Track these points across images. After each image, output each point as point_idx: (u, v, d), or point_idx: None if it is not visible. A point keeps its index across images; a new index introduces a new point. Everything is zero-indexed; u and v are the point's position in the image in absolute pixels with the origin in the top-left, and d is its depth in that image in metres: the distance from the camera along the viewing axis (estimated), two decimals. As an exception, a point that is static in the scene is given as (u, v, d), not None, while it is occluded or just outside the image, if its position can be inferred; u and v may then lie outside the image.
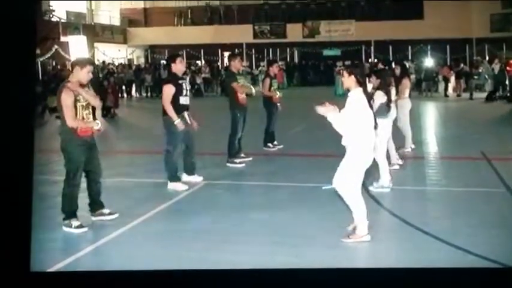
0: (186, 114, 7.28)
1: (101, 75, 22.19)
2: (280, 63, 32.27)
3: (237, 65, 8.95)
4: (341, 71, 5.16)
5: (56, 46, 25.56)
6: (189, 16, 36.43)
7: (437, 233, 5.16)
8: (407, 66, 25.57)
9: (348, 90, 5.01)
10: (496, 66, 22.47)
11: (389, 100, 6.97)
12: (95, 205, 5.84)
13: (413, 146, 9.72)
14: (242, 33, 33.71)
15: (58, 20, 28.48)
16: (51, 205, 5.99)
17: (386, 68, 8.50)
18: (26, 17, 3.93)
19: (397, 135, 8.82)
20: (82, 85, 5.52)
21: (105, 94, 17.28)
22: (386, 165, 7.03)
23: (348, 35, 32.98)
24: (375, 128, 5.03)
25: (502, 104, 19.03)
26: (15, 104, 3.91)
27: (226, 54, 37.18)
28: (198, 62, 33.34)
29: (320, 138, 9.81)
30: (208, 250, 4.95)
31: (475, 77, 22.77)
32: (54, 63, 26.46)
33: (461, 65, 24.41)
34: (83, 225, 5.52)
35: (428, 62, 27.70)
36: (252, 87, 9.28)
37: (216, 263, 4.56)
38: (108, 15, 34.75)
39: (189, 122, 7.32)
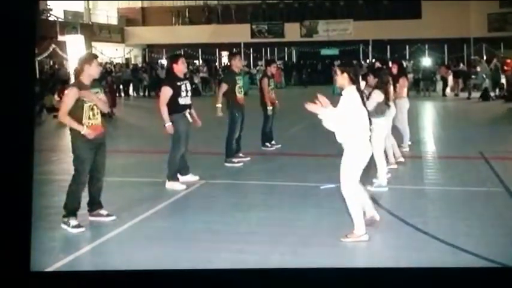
0: (187, 112, 7.28)
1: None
2: (278, 62, 32.29)
3: (238, 64, 8.95)
4: (334, 69, 5.18)
5: (53, 45, 25.49)
6: (187, 15, 36.41)
7: (436, 233, 5.16)
8: (405, 65, 25.77)
9: (342, 89, 5.02)
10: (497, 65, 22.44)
11: (387, 99, 6.97)
12: (94, 205, 5.83)
13: (409, 143, 9.73)
14: (240, 33, 33.69)
15: (55, 19, 28.42)
16: (51, 204, 5.98)
17: (384, 67, 8.48)
18: (26, 16, 3.93)
19: (395, 134, 8.81)
20: (95, 80, 5.63)
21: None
22: (384, 164, 7.04)
23: (346, 35, 32.99)
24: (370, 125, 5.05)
25: (500, 104, 19.06)
26: (15, 103, 3.90)
27: (224, 53, 37.21)
28: (196, 61, 33.31)
29: (318, 137, 9.79)
30: (206, 249, 4.94)
31: (473, 76, 22.80)
32: (51, 63, 26.41)
33: (460, 65, 24.46)
34: (81, 225, 5.51)
35: (426, 61, 27.73)
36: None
37: (214, 262, 4.55)
38: (106, 14, 34.70)
39: (190, 120, 7.32)
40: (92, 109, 5.54)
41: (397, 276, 3.98)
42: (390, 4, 32.50)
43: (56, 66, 26.03)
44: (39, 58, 24.59)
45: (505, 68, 21.51)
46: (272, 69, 10.42)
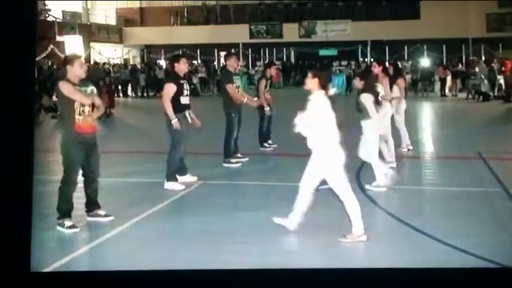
0: (187, 113, 7.27)
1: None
2: (276, 63, 32.28)
3: (233, 64, 8.94)
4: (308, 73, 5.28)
5: (51, 46, 25.47)
6: (185, 16, 36.40)
7: (434, 233, 5.16)
8: (404, 66, 25.78)
9: (310, 93, 5.09)
10: (495, 67, 22.42)
11: (376, 98, 6.94)
12: (91, 205, 5.81)
13: (410, 147, 9.70)
14: (238, 33, 33.68)
15: (54, 19, 28.40)
16: (50, 205, 5.95)
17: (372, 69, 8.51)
18: (25, 16, 3.93)
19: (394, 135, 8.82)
20: (82, 80, 5.54)
21: (100, 94, 17.26)
22: (379, 165, 7.02)
23: (344, 35, 33.00)
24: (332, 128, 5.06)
25: (498, 104, 19.07)
26: (15, 104, 3.90)
27: (223, 54, 37.15)
28: (195, 61, 33.29)
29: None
30: (205, 250, 4.93)
31: (472, 77, 22.82)
32: (50, 63, 26.39)
33: (459, 65, 24.47)
34: (76, 226, 5.50)
35: (425, 62, 27.75)
36: (245, 98, 9.01)
37: (213, 263, 4.54)
38: (104, 14, 34.66)
39: (190, 121, 7.31)
40: (83, 105, 5.49)
41: (396, 277, 3.98)
42: (389, 5, 32.53)
43: (54, 66, 25.99)
44: (37, 58, 24.57)
45: (503, 68, 21.50)
46: (272, 71, 10.43)
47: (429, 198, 6.91)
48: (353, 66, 27.51)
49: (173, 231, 5.54)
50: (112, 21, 35.48)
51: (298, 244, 5.03)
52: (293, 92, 25.67)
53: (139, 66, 30.34)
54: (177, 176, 7.40)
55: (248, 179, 7.94)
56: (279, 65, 31.56)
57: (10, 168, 3.87)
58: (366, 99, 6.82)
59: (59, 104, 5.61)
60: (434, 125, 15.14)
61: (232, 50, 33.00)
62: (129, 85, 26.45)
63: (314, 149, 5.05)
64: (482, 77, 21.47)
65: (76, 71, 5.48)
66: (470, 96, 21.31)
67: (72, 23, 29.88)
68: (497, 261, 4.38)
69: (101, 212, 5.81)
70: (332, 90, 5.05)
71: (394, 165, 8.11)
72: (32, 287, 3.91)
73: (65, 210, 5.53)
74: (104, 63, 26.48)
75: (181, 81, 7.26)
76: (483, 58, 27.89)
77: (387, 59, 31.50)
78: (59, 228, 5.48)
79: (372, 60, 31.70)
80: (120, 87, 25.47)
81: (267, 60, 28.97)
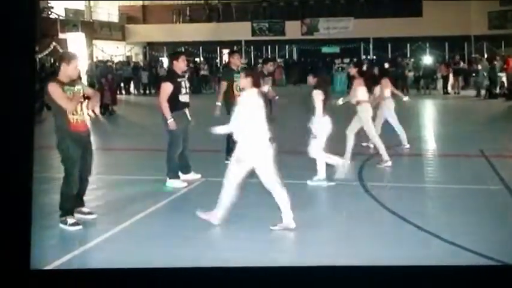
0: (187, 110, 7.28)
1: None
2: (278, 60, 32.25)
3: (236, 62, 8.95)
4: (241, 74, 5.77)
5: (54, 43, 25.50)
6: (188, 13, 36.40)
7: (436, 231, 5.18)
8: (406, 63, 25.74)
9: (243, 90, 5.50)
10: (497, 64, 22.32)
11: (326, 98, 7.07)
12: (77, 202, 5.78)
13: (407, 146, 9.70)
14: (241, 31, 33.66)
15: (56, 17, 28.43)
16: (51, 202, 5.99)
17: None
18: (25, 13, 3.93)
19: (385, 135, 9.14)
20: (73, 80, 5.52)
21: (102, 91, 17.29)
22: (322, 160, 7.11)
23: (346, 32, 32.95)
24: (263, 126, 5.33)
25: (500, 102, 19.06)
26: (15, 101, 3.91)
27: (225, 51, 37.16)
28: (197, 59, 33.30)
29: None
30: (207, 247, 4.96)
31: (473, 74, 22.78)
32: (52, 61, 26.42)
33: (461, 63, 24.40)
34: (78, 223, 5.53)
35: (427, 59, 27.71)
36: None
37: (215, 260, 4.56)
38: (107, 12, 34.68)
39: (189, 118, 7.32)
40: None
41: (397, 274, 3.99)
42: (391, 2, 32.46)
43: (57, 64, 26.03)
44: (40, 56, 24.60)
45: (505, 66, 21.45)
46: (269, 67, 10.39)
47: (431, 196, 6.93)
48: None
49: (175, 228, 5.56)
50: (114, 19, 35.49)
51: (301, 242, 5.05)
52: (295, 89, 25.69)
53: (141, 64, 30.35)
54: (181, 174, 7.41)
55: (250, 176, 7.93)
56: (281, 62, 31.59)
57: (10, 166, 3.87)
58: (316, 96, 6.98)
59: (50, 104, 5.55)
60: (436, 122, 15.14)
61: (235, 48, 33.08)
62: (132, 82, 26.48)
63: (241, 143, 5.35)
64: (485, 74, 21.44)
65: (69, 71, 5.47)
66: (481, 94, 21.02)
67: (74, 21, 29.89)
68: (498, 259, 4.40)
69: (85, 209, 5.83)
70: (265, 88, 5.46)
71: (389, 163, 8.20)
72: (32, 285, 3.92)
73: (67, 208, 5.56)
74: (107, 61, 26.49)
75: (179, 80, 7.23)
76: (485, 56, 27.84)
77: (389, 56, 31.49)
78: (61, 225, 5.51)
79: (375, 57, 31.79)
80: (122, 84, 25.49)
81: (268, 57, 28.80)
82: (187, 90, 7.36)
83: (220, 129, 5.55)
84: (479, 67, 22.74)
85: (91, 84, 19.72)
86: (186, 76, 7.81)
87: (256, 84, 5.45)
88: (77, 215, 5.73)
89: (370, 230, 5.07)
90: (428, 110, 18.02)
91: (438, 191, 7.12)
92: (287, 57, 35.39)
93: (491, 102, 19.14)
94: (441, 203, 6.55)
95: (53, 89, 5.38)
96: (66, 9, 29.91)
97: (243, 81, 5.51)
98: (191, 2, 35.61)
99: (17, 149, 3.90)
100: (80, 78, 5.67)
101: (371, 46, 33.55)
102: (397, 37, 31.55)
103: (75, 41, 27.73)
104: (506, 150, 9.54)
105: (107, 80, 18.09)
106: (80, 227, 5.51)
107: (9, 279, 3.80)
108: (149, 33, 34.99)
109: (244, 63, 29.35)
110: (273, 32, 34.39)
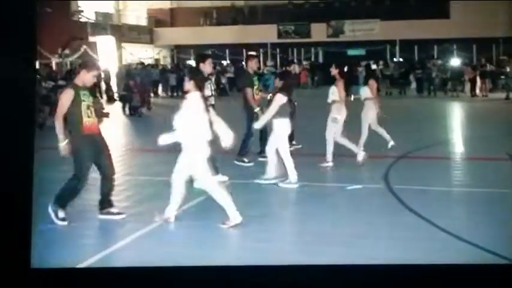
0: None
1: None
2: (304, 63, 32.30)
3: (253, 66, 9.23)
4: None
5: (84, 46, 25.99)
6: (214, 16, 36.71)
7: (461, 233, 5.21)
8: (433, 65, 25.53)
9: (187, 93, 5.61)
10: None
11: (289, 100, 7.38)
12: (104, 203, 5.94)
13: (392, 143, 9.73)
14: (266, 33, 33.86)
15: (86, 20, 28.97)
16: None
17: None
18: (26, 14, 3.99)
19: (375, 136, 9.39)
20: (87, 88, 5.79)
21: (130, 94, 17.63)
22: (290, 162, 7.24)
23: (372, 34, 32.86)
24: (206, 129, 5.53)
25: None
26: (16, 102, 3.95)
27: (251, 54, 37.27)
28: (224, 61, 33.56)
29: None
30: (233, 248, 5.10)
31: (502, 76, 22.53)
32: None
33: (488, 65, 24.15)
34: (65, 219, 5.67)
35: (454, 61, 27.49)
36: (260, 109, 8.62)
37: (240, 258, 4.70)
38: (135, 15, 35.20)
39: None
40: (88, 108, 5.72)
41: (417, 273, 4.06)
42: (417, 3, 32.24)
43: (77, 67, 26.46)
44: (70, 59, 25.15)
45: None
46: (291, 69, 10.45)
47: (456, 199, 6.96)
48: (381, 66, 27.37)
49: (202, 229, 5.61)
50: (143, 22, 35.98)
51: (320, 243, 5.14)
52: (320, 92, 25.67)
53: (169, 67, 30.72)
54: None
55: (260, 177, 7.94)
56: (306, 64, 31.60)
57: (11, 164, 3.89)
58: (277, 98, 7.20)
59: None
60: (463, 125, 15.07)
61: (261, 50, 33.26)
62: (160, 85, 26.83)
63: (184, 145, 5.50)
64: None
65: (87, 79, 5.76)
66: (510, 97, 20.70)
67: (103, 24, 30.42)
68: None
69: (114, 210, 5.95)
70: (207, 91, 5.65)
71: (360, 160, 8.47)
72: (32, 284, 3.92)
73: (64, 202, 5.71)
74: (137, 64, 26.92)
75: (205, 82, 7.37)
76: (514, 57, 27.46)
77: (416, 58, 31.25)
78: (50, 212, 5.62)
79: (401, 59, 31.57)
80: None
81: (291, 59, 28.66)
82: (213, 93, 7.51)
83: (166, 139, 5.53)
84: (508, 69, 22.50)
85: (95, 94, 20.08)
86: (212, 79, 7.93)
87: (199, 87, 5.57)
88: (106, 216, 5.89)
89: (392, 231, 5.14)
90: (456, 113, 17.92)
91: (463, 194, 7.14)
92: (313, 59, 35.39)
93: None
94: (466, 207, 6.58)
95: (62, 94, 5.69)
96: (96, 13, 30.47)
97: (187, 84, 5.59)
98: (218, 4, 35.92)
99: (18, 147, 3.92)
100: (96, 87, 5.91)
101: (397, 48, 33.37)
102: (423, 39, 31.33)
103: (104, 44, 28.22)
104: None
105: (135, 83, 18.38)
106: (66, 223, 5.63)
107: (10, 278, 3.82)
108: (177, 36, 35.40)
109: (270, 66, 29.63)
110: (299, 35, 34.46)
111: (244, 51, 34.31)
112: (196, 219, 5.94)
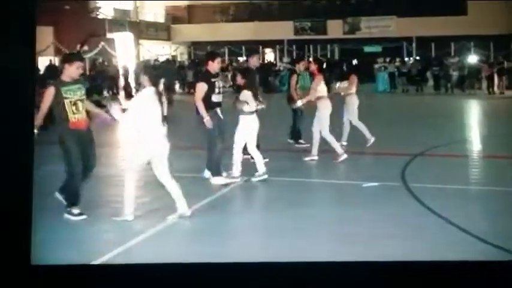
0: (218, 110, 7.48)
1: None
2: (322, 59, 32.19)
3: (255, 63, 9.34)
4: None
5: (102, 43, 26.21)
6: (231, 13, 36.82)
7: (478, 233, 5.24)
8: (450, 62, 25.39)
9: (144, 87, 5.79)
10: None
11: (256, 97, 7.50)
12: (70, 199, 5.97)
13: (372, 139, 9.75)
14: (283, 30, 33.88)
15: (105, 17, 29.21)
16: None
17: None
18: (25, 13, 4.00)
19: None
20: (75, 80, 5.87)
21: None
22: (259, 157, 7.49)
23: (388, 31, 32.72)
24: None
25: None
26: (16, 98, 3.97)
27: (268, 50, 37.45)
28: (240, 58, 33.66)
29: (353, 134, 10.01)
30: (250, 244, 5.18)
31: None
32: (101, 60, 27.16)
33: (505, 63, 23.99)
34: (83, 213, 5.83)
35: (472, 58, 27.30)
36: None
37: (255, 254, 4.80)
38: (153, 12, 35.44)
39: (221, 117, 7.54)
40: (75, 104, 5.77)
41: (434, 270, 4.13)
42: (434, 0, 32.01)
43: (105, 63, 26.76)
44: (89, 55, 25.39)
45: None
46: (300, 66, 10.45)
47: (473, 198, 6.98)
48: (397, 63, 27.28)
49: (217, 226, 5.69)
50: (160, 19, 36.19)
51: (338, 239, 5.22)
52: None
53: (186, 63, 30.90)
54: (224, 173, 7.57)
55: (290, 175, 8.03)
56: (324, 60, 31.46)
57: (11, 160, 3.90)
58: (244, 95, 7.39)
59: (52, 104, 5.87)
60: (480, 123, 15.03)
61: (277, 47, 33.28)
62: (177, 81, 26.98)
63: (137, 139, 5.71)
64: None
65: (71, 72, 5.83)
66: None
67: (121, 21, 30.65)
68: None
69: (75, 210, 5.92)
70: (161, 87, 5.81)
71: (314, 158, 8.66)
72: (32, 280, 3.91)
73: (72, 201, 5.87)
74: (155, 60, 27.11)
75: (213, 80, 7.39)
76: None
77: (433, 55, 31.07)
78: (66, 215, 5.81)
79: (418, 57, 31.38)
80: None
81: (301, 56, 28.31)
82: (220, 90, 7.55)
83: (115, 112, 5.70)
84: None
85: (97, 91, 20.15)
86: (220, 77, 8.00)
87: (154, 83, 5.75)
88: (67, 215, 5.88)
89: (406, 229, 5.20)
90: (473, 110, 17.85)
91: (480, 193, 7.16)
92: (329, 56, 35.36)
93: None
94: (483, 205, 6.59)
95: (46, 93, 5.78)
96: (114, 10, 30.71)
97: (142, 79, 5.81)
98: (234, 1, 36.01)
99: (18, 142, 3.94)
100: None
101: (414, 45, 33.20)
102: (440, 36, 31.10)
103: (122, 41, 28.42)
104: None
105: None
106: (85, 216, 5.80)
107: (10, 274, 3.83)
108: (194, 33, 35.55)
109: (287, 62, 29.58)
110: (315, 31, 34.43)
111: (260, 47, 34.39)
112: (208, 216, 6.01)
